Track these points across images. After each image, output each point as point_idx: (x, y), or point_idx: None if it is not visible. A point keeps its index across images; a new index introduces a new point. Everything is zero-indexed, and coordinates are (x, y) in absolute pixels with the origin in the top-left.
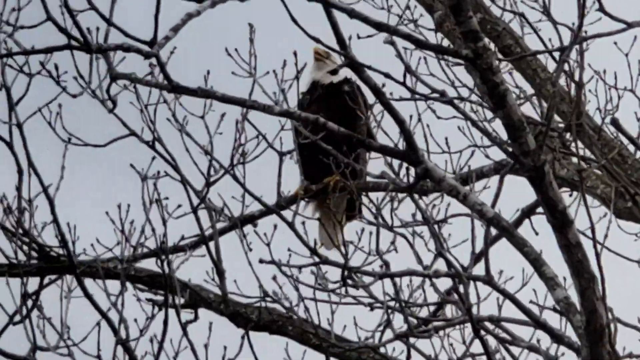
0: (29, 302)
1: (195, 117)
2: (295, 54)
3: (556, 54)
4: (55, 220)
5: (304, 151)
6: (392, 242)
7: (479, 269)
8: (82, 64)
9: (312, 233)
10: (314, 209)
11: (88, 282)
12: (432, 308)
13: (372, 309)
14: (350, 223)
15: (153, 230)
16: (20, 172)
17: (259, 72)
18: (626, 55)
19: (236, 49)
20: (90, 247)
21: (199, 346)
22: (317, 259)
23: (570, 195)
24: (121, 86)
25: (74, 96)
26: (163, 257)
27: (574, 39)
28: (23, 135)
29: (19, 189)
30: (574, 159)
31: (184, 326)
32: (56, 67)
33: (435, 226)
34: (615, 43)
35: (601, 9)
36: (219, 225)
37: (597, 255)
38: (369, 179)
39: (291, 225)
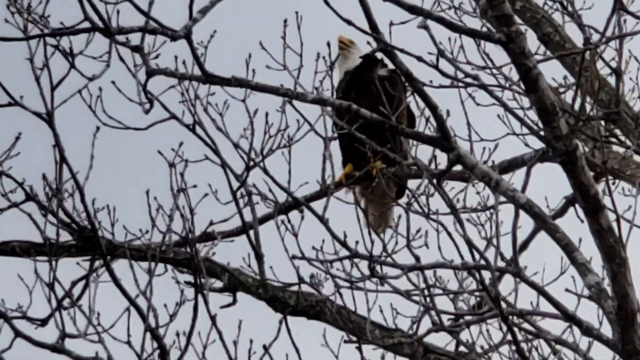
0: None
1: (237, 101)
2: (328, 44)
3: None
4: (85, 207)
5: (344, 137)
6: (422, 231)
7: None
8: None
9: (345, 223)
10: (359, 195)
11: (123, 265)
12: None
13: (409, 297)
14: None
15: (182, 216)
16: (62, 154)
17: (293, 62)
18: None
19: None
20: (130, 233)
21: (234, 332)
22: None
23: (613, 184)
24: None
25: (91, 79)
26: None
27: (600, 39)
28: (53, 125)
29: (59, 171)
30: (614, 148)
31: (212, 317)
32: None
33: (474, 215)
34: None
35: (623, 8)
36: (263, 211)
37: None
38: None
39: (321, 218)
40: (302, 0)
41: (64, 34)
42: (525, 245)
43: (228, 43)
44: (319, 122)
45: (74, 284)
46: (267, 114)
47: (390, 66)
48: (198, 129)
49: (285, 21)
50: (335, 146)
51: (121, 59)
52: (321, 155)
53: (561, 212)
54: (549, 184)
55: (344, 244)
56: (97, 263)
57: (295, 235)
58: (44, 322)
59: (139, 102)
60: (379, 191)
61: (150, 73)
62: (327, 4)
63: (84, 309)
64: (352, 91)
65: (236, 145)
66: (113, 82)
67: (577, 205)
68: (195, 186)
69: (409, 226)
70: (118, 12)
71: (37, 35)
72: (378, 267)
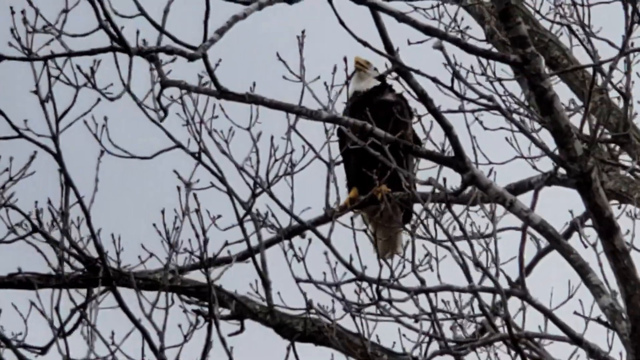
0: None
1: (242, 129)
2: (345, 59)
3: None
4: (92, 233)
5: (351, 159)
6: (429, 255)
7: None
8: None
9: (350, 248)
10: (365, 219)
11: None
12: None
13: (417, 321)
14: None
15: (204, 240)
16: (67, 182)
17: (308, 77)
18: None
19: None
20: (137, 259)
21: (245, 355)
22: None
23: (619, 208)
24: (169, 99)
25: (112, 99)
26: (206, 268)
27: (620, 53)
28: (58, 148)
29: (65, 200)
30: (622, 171)
31: (227, 350)
32: (92, 71)
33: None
34: None
35: None
36: (266, 236)
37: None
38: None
39: (327, 241)
40: (318, 18)
41: (84, 54)
42: (529, 268)
43: (239, 58)
44: (324, 148)
45: (73, 311)
46: (272, 138)
47: (398, 91)
48: (204, 157)
49: (302, 32)
50: (339, 170)
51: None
52: (324, 180)
53: (565, 236)
54: (552, 208)
55: (350, 267)
56: (95, 291)
57: (302, 259)
58: (44, 350)
59: (154, 109)
60: (386, 216)
61: (165, 84)
62: (343, 24)
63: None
64: (359, 113)
65: (241, 168)
66: (128, 90)
67: (581, 230)
68: (207, 211)
69: (414, 250)
70: (138, 32)
71: (58, 54)
72: (384, 291)
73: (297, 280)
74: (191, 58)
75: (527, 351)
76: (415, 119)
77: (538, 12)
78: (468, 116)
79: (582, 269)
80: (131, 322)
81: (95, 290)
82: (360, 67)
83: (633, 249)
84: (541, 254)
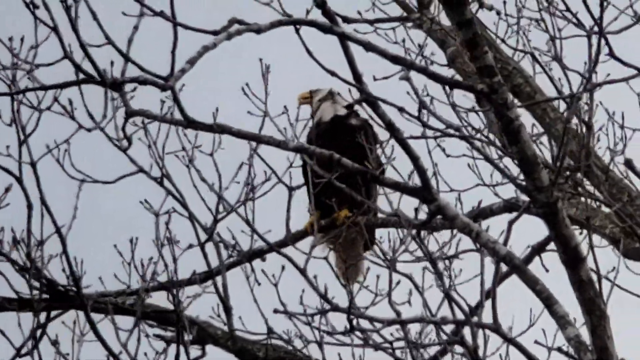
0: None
1: (205, 155)
2: (299, 104)
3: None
4: (67, 261)
5: (315, 185)
6: (397, 282)
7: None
8: (95, 100)
9: (324, 275)
10: (328, 244)
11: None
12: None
13: (376, 350)
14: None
15: (165, 265)
16: (29, 206)
17: (273, 108)
18: (638, 94)
19: (246, 85)
20: (99, 281)
21: None
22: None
23: (580, 234)
24: (136, 125)
25: (89, 130)
26: (174, 291)
27: (585, 86)
28: (37, 174)
29: (28, 223)
30: (583, 199)
31: None
32: (70, 102)
33: (443, 265)
34: (627, 82)
35: (611, 54)
36: (228, 261)
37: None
38: (380, 215)
39: (303, 271)
40: (286, 48)
41: (58, 87)
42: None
43: (203, 87)
44: (286, 173)
45: (32, 332)
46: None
47: (362, 115)
48: (167, 182)
49: (267, 67)
50: (302, 194)
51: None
52: (286, 205)
53: (527, 261)
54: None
55: (324, 297)
56: (53, 313)
57: (275, 285)
58: None
59: (117, 139)
60: (348, 242)
61: (130, 114)
62: (310, 54)
63: None
64: (324, 139)
65: (204, 200)
66: (91, 116)
67: (542, 255)
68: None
69: (391, 280)
70: (112, 63)
71: (30, 89)
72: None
73: (275, 311)
74: (164, 88)
75: None
76: (379, 145)
77: (502, 39)
78: (430, 142)
79: (548, 301)
80: (107, 352)
81: (53, 313)
82: (305, 100)
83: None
84: (501, 278)
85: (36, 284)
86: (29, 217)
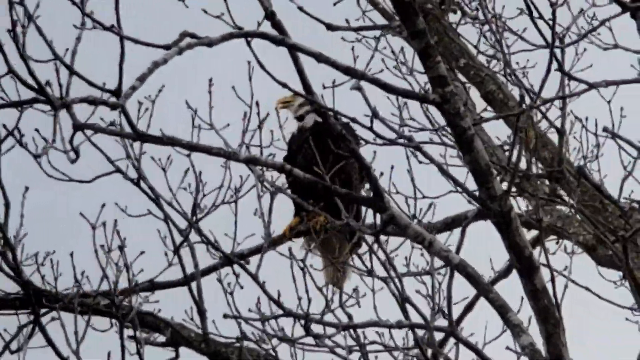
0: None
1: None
2: (257, 104)
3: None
4: (14, 259)
5: (294, 191)
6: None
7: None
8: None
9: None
10: (310, 247)
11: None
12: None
13: (350, 352)
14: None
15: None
16: (7, 205)
17: (224, 120)
18: (608, 102)
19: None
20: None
21: None
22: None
23: (557, 243)
24: (85, 136)
25: (37, 157)
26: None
27: (534, 101)
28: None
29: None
30: (559, 206)
31: None
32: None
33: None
34: (598, 91)
35: (560, 69)
36: (203, 263)
37: (558, 305)
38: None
39: (255, 277)
40: (238, 61)
41: (10, 106)
42: (471, 306)
43: (169, 100)
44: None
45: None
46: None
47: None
48: (142, 183)
49: (210, 80)
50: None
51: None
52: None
53: (505, 273)
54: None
55: (277, 302)
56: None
57: (231, 293)
58: None
59: (64, 151)
60: (333, 246)
61: (77, 127)
62: (262, 66)
63: None
64: (308, 146)
65: (178, 203)
66: (52, 139)
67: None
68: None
69: (342, 284)
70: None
71: None
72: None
73: (225, 316)
74: (113, 107)
75: None
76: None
77: (475, 47)
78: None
79: (502, 309)
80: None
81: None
82: (285, 104)
83: (573, 283)
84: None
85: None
86: (5, 215)
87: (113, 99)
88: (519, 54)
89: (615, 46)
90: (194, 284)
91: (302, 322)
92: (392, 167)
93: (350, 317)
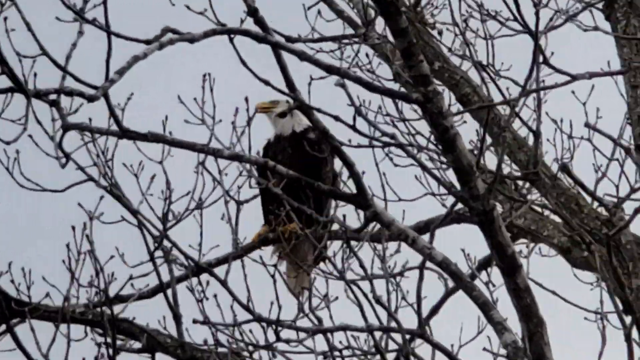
0: None
1: (154, 163)
2: (246, 99)
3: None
4: None
5: (265, 198)
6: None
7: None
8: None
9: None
10: (278, 256)
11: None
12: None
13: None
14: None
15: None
16: None
17: (212, 116)
18: (584, 104)
19: (194, 98)
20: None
21: None
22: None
23: (527, 247)
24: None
25: (8, 143)
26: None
27: (521, 92)
28: None
29: None
30: (528, 205)
31: None
32: None
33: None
34: (573, 92)
35: (545, 62)
36: (177, 272)
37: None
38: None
39: (224, 283)
40: (220, 57)
41: None
42: (438, 307)
43: (145, 99)
44: (235, 184)
45: None
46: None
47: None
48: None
49: (204, 76)
50: (255, 206)
51: (37, 119)
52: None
53: (480, 268)
54: (472, 243)
55: (247, 308)
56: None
57: (200, 300)
58: None
59: (55, 157)
60: (299, 255)
61: (66, 128)
62: (244, 64)
63: None
64: (284, 154)
65: (152, 209)
66: (30, 136)
67: (489, 269)
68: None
69: (310, 289)
70: (35, 75)
71: None
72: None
73: (194, 321)
74: (90, 99)
75: None
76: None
77: (449, 49)
78: (379, 153)
79: (485, 306)
80: None
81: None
82: (265, 110)
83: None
84: (449, 292)
85: None
86: None
87: (91, 91)
88: (501, 39)
89: (596, 28)
90: (169, 291)
91: (274, 327)
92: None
93: (320, 321)
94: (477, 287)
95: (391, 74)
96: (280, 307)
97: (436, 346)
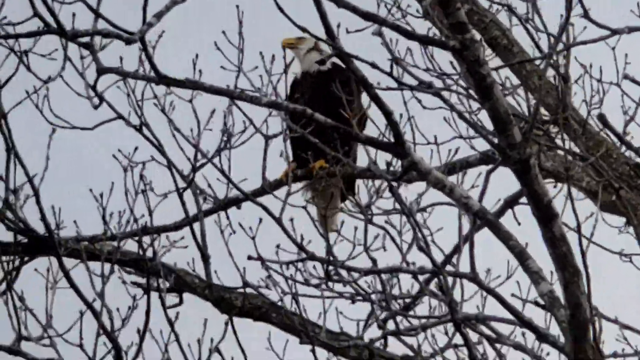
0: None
1: (184, 101)
2: (284, 47)
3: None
4: (41, 211)
5: (295, 140)
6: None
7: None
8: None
9: (300, 225)
10: (308, 194)
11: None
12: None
13: (353, 302)
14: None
15: (135, 218)
16: (8, 150)
17: (247, 64)
18: (613, 49)
19: (225, 34)
20: (75, 228)
21: (181, 331)
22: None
23: (555, 187)
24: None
25: (46, 82)
26: (144, 238)
27: (556, 45)
28: (8, 127)
29: (7, 169)
30: (560, 151)
31: (170, 320)
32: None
33: (419, 218)
34: (613, 49)
35: (586, 15)
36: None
37: (583, 253)
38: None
39: (279, 220)
40: (259, 4)
41: (19, 37)
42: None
43: (179, 42)
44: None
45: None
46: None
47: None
48: (145, 130)
49: (240, 22)
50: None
51: (67, 58)
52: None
53: (499, 214)
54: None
55: (300, 246)
56: (26, 258)
57: (253, 238)
58: None
59: (87, 97)
60: (327, 193)
61: (101, 71)
62: (282, 11)
63: (36, 313)
64: (312, 92)
65: (182, 149)
66: (61, 76)
67: (514, 208)
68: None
69: (366, 229)
70: (74, 14)
71: None
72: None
73: (249, 258)
74: (128, 42)
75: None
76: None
77: None
78: (407, 95)
79: (521, 256)
80: (84, 303)
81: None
82: (291, 45)
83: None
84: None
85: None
86: (7, 162)
87: (127, 34)
88: None
89: None
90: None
91: (325, 266)
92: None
93: (374, 261)
94: (514, 237)
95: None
96: (330, 247)
97: (489, 291)
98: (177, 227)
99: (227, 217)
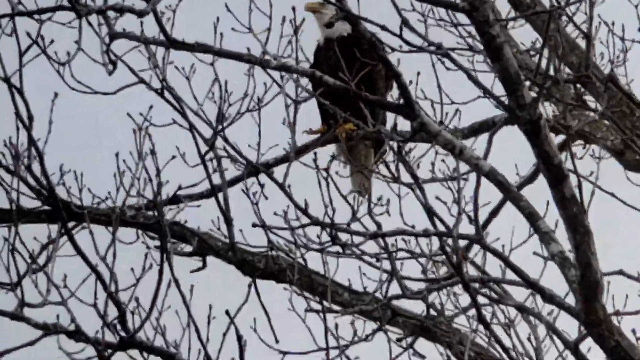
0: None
1: (205, 64)
2: (293, 9)
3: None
4: (43, 171)
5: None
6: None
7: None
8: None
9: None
10: (343, 156)
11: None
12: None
13: (377, 260)
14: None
15: (150, 179)
16: (30, 118)
17: (258, 27)
18: (636, 6)
19: None
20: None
21: (207, 292)
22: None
23: (584, 148)
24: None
25: (62, 64)
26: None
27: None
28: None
29: (30, 135)
30: (587, 112)
31: (176, 280)
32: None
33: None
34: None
35: None
36: (231, 174)
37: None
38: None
39: (282, 186)
40: None
41: (33, 14)
42: (495, 212)
43: (196, 6)
44: (289, 84)
45: (43, 247)
46: (226, 83)
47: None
48: (166, 94)
49: None
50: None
51: (89, 22)
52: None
53: (530, 178)
54: (520, 150)
55: (305, 212)
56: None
57: (256, 204)
58: (14, 287)
59: (102, 63)
60: (360, 154)
61: (113, 36)
62: None
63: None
64: (334, 57)
65: (203, 111)
66: (76, 42)
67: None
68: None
69: (370, 192)
70: None
71: (3, 15)
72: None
73: (254, 225)
74: (140, 14)
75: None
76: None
77: None
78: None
79: (531, 217)
80: (88, 267)
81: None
82: (313, 9)
83: (599, 189)
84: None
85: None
86: (29, 129)
87: (140, 7)
88: None
89: None
90: (220, 194)
91: (329, 230)
92: (419, 73)
93: (379, 225)
94: (524, 197)
95: None
96: (334, 211)
97: (494, 252)
98: (203, 196)
99: (260, 184)
